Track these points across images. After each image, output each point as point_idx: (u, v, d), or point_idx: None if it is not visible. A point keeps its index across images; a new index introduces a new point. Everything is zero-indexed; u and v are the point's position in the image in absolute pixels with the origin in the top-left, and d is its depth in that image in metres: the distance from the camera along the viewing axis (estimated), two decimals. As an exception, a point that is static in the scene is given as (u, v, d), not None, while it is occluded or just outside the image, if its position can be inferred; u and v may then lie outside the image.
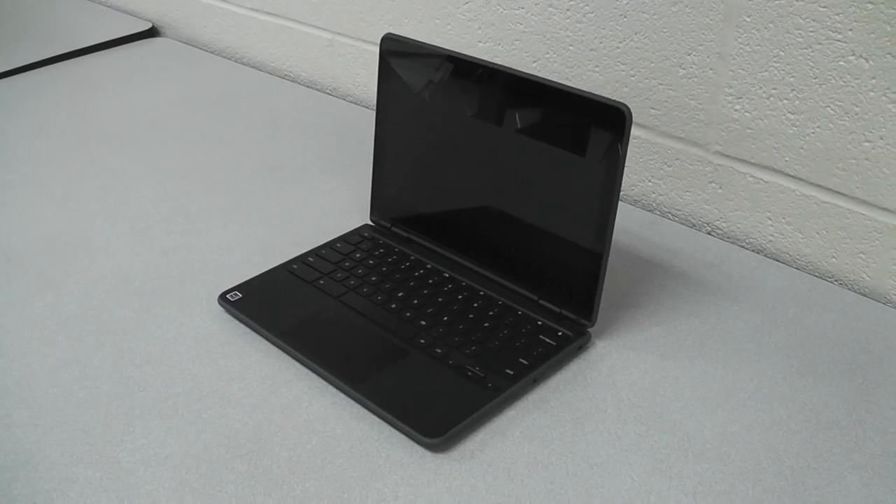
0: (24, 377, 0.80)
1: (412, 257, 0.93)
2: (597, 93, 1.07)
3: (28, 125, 1.31)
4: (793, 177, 0.95)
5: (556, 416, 0.75)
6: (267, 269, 0.93)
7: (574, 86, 1.04)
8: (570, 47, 1.08)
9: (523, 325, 0.83)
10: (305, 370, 0.81)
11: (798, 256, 0.98)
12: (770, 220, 0.99)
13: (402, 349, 0.81)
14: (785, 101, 0.92)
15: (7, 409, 0.77)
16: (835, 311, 0.88)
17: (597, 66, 1.07)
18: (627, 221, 1.04)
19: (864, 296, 0.91)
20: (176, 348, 0.84)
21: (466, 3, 1.18)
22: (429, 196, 0.94)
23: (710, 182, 1.02)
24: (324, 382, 0.79)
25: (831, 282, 0.95)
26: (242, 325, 0.86)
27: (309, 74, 1.49)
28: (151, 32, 1.69)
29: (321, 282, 0.90)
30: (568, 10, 1.06)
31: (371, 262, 0.93)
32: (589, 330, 0.83)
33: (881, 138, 0.87)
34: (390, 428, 0.74)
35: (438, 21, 1.23)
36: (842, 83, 0.88)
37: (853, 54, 0.86)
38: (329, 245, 0.96)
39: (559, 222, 0.83)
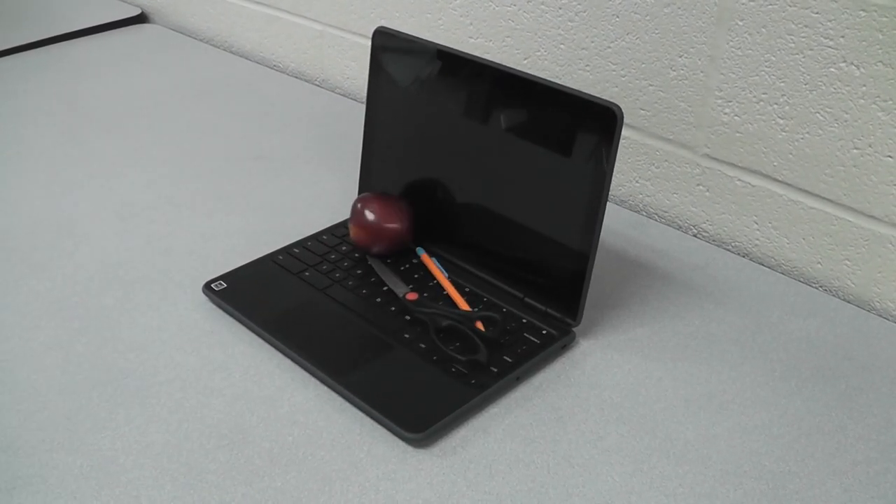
0: (6, 362, 0.80)
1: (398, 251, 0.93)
2: (587, 92, 1.08)
3: (14, 109, 1.29)
4: (780, 182, 0.95)
5: (538, 414, 0.75)
6: (252, 260, 0.93)
7: (564, 84, 1.04)
8: (562, 45, 1.08)
9: (508, 323, 0.83)
10: (289, 362, 0.80)
11: (783, 261, 0.98)
12: (756, 224, 0.99)
13: (386, 343, 0.81)
14: (775, 106, 0.93)
15: (-14, 394, 0.76)
16: (819, 316, 0.88)
17: (587, 65, 1.07)
18: (614, 222, 1.04)
19: (849, 302, 0.92)
20: (159, 337, 0.83)
21: (459, -2, 1.17)
22: (416, 191, 0.93)
23: (698, 184, 1.02)
24: (307, 374, 0.79)
25: (816, 287, 0.96)
26: (227, 315, 0.86)
27: (298, 65, 1.48)
28: (140, 18, 1.68)
29: (306, 273, 0.90)
30: (560, 8, 1.06)
31: (357, 254, 0.93)
32: (574, 329, 0.83)
33: (870, 146, 0.87)
34: (372, 422, 0.74)
35: (430, 16, 1.22)
36: (832, 90, 0.88)
37: (844, 61, 0.86)
38: (315, 237, 0.96)
39: (547, 221, 0.82)
